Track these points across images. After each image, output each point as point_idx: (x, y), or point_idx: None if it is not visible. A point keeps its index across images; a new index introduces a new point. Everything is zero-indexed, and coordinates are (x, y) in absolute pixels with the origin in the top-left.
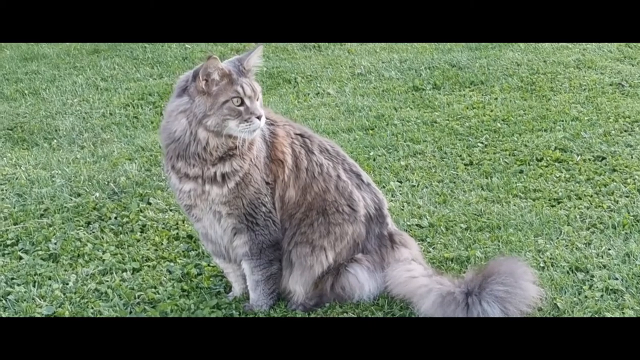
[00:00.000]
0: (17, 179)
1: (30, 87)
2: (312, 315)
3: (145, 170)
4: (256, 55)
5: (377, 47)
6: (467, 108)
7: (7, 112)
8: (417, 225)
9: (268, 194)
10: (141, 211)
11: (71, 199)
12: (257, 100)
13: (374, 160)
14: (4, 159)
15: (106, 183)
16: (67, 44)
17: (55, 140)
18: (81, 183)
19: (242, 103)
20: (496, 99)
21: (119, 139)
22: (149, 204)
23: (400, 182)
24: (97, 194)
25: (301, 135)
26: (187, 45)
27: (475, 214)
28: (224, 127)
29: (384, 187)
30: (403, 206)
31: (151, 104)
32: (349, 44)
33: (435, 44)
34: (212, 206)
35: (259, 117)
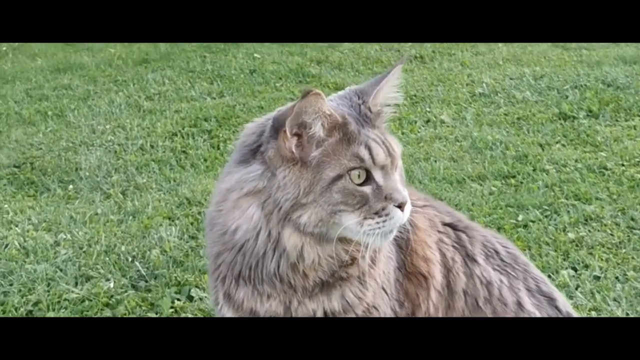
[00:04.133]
0: (6, 246)
1: (56, 106)
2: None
3: (189, 238)
4: (391, 82)
5: (499, 59)
6: None
7: (20, 141)
8: None
9: None
10: (176, 311)
11: (75, 287)
12: (396, 170)
13: (525, 228)
14: None
15: (130, 259)
16: (111, 51)
17: (72, 185)
18: (94, 258)
19: (369, 179)
20: None
21: (158, 185)
22: (190, 298)
23: (575, 269)
24: (113, 283)
25: (453, 227)
26: (257, 54)
27: None
28: (334, 225)
29: (550, 276)
30: (590, 314)
31: (206, 133)
32: (461, 53)
33: (578, 55)
34: None
35: (400, 206)
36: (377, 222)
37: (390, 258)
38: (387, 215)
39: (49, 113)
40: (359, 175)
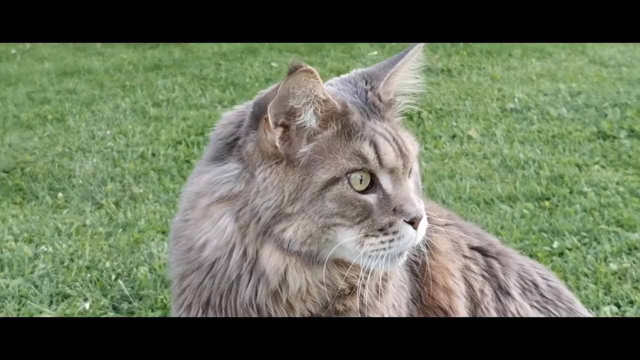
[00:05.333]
0: None
1: (57, 110)
2: None
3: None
4: (409, 65)
5: (532, 74)
6: None
7: (14, 145)
8: None
9: None
10: None
11: (48, 307)
12: (409, 176)
13: (561, 256)
14: None
15: (114, 277)
16: (122, 57)
17: (62, 193)
18: (73, 274)
19: (374, 185)
20: None
21: (156, 195)
22: None
23: (618, 305)
24: (89, 304)
25: (482, 252)
26: (274, 63)
27: None
28: (327, 243)
29: (590, 312)
30: None
31: None
32: (491, 67)
33: (617, 72)
34: None
35: (413, 222)
36: (382, 242)
37: (402, 288)
38: (395, 233)
39: (49, 117)
40: (361, 180)
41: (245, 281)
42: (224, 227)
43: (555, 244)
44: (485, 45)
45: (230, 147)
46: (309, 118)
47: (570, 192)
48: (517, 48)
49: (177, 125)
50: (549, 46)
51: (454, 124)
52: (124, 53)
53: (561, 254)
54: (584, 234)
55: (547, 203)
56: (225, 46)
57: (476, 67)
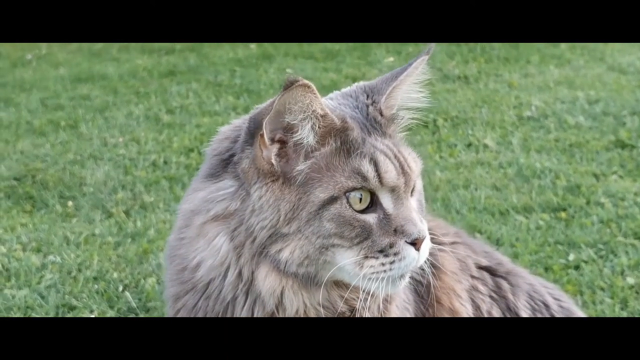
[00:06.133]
0: None
1: (70, 116)
2: None
3: None
4: (412, 78)
5: (549, 81)
6: None
7: (26, 152)
8: None
9: None
10: None
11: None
12: (412, 195)
13: (577, 269)
14: None
15: (121, 288)
16: (137, 62)
17: (72, 201)
18: (81, 284)
19: (374, 204)
20: None
21: (167, 204)
22: None
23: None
24: (94, 315)
25: (491, 272)
26: (289, 69)
27: None
28: (325, 265)
29: None
30: None
31: None
32: (509, 74)
33: (637, 80)
34: None
35: (415, 243)
36: (383, 264)
37: (406, 309)
38: (395, 254)
39: (62, 123)
40: (360, 199)
41: (240, 303)
42: (219, 247)
43: (571, 257)
44: (503, 52)
45: (226, 164)
46: (306, 134)
47: (587, 203)
48: (535, 55)
49: (190, 132)
50: (567, 53)
51: (470, 132)
52: (139, 59)
53: (577, 267)
54: (600, 246)
55: (563, 214)
56: (241, 52)
57: (493, 74)
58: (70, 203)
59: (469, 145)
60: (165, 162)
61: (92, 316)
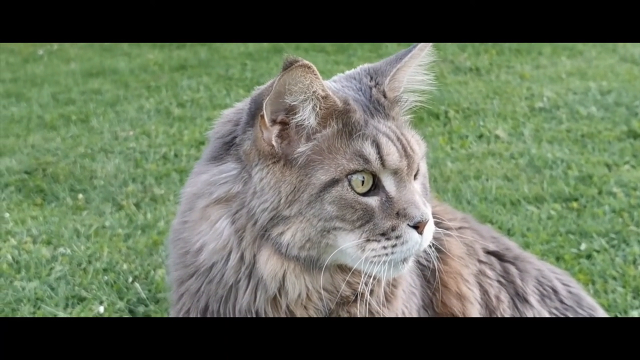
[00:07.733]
0: None
1: (81, 111)
2: None
3: None
4: (417, 60)
5: (562, 72)
6: None
7: (37, 146)
8: None
9: None
10: None
11: (64, 310)
12: (416, 178)
13: (589, 259)
14: None
15: (131, 280)
16: (149, 57)
17: (83, 194)
18: (90, 276)
19: (376, 187)
20: None
21: (177, 197)
22: None
23: None
24: (103, 308)
25: (499, 257)
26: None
27: None
28: (326, 248)
29: (617, 317)
30: None
31: None
32: (520, 65)
33: None
34: None
35: (418, 226)
36: (384, 247)
37: (413, 294)
38: (397, 237)
39: (73, 118)
40: (362, 182)
41: (243, 286)
42: (221, 230)
43: (583, 246)
44: (515, 44)
45: (228, 146)
46: (307, 116)
47: (599, 193)
48: (547, 46)
49: (200, 125)
50: (579, 44)
51: (481, 123)
52: (150, 53)
53: (589, 257)
54: (612, 235)
55: (575, 204)
56: (252, 46)
57: (505, 66)
58: (80, 196)
59: (480, 136)
60: (175, 155)
61: (101, 308)
